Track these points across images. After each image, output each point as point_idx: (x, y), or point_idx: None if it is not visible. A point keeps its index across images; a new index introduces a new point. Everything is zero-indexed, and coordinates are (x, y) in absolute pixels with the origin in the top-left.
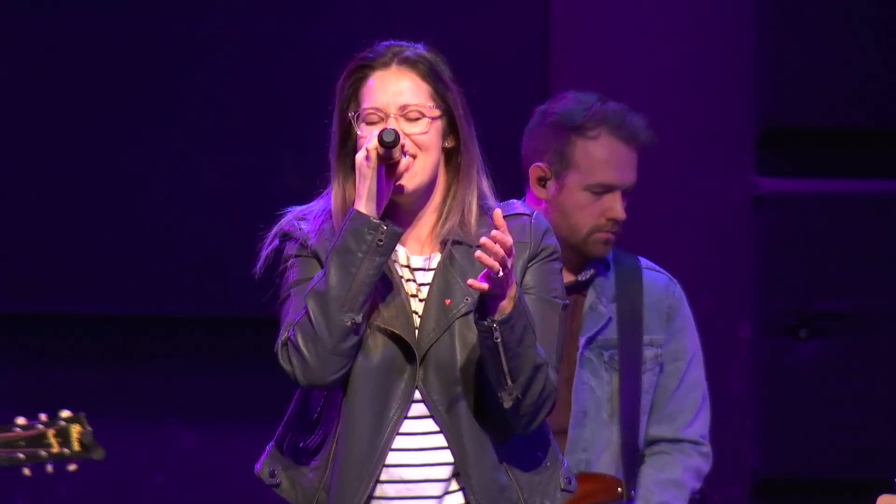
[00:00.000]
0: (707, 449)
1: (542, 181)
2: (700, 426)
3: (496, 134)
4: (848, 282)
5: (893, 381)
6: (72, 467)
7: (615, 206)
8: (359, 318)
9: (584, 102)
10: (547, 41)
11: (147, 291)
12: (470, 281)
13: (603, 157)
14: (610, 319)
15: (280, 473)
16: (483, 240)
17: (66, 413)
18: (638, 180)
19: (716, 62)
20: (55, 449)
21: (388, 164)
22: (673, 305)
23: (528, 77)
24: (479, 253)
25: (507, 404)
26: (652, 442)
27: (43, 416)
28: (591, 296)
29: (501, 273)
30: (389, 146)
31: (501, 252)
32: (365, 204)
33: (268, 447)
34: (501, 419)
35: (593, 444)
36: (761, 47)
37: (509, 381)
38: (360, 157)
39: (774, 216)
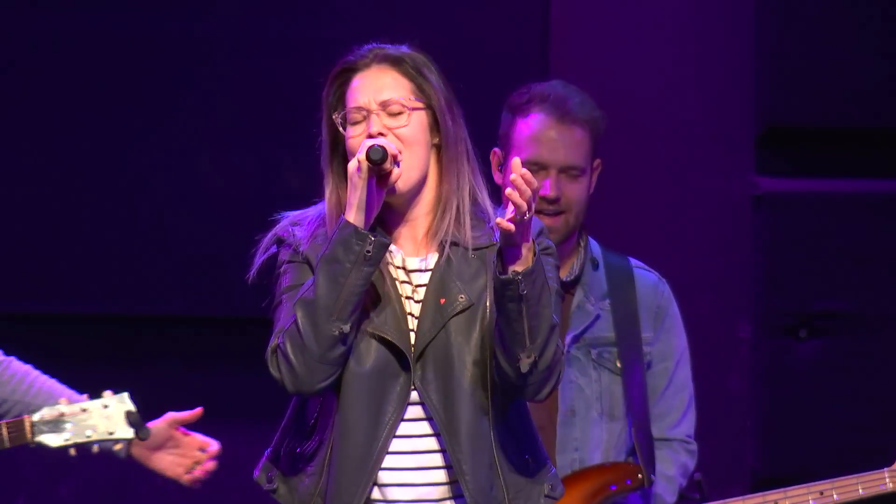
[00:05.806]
0: (693, 447)
1: (501, 167)
2: (687, 426)
3: (496, 134)
4: (848, 282)
5: (893, 381)
6: (117, 447)
7: (546, 184)
8: (346, 328)
9: (530, 86)
10: (547, 41)
11: (147, 291)
12: (498, 220)
13: (531, 133)
14: (598, 317)
15: (277, 479)
16: (513, 177)
17: (108, 393)
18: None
19: (716, 62)
20: (101, 430)
21: (379, 174)
22: (662, 305)
23: (528, 77)
24: (509, 191)
25: (525, 368)
26: None
27: (85, 397)
28: (578, 294)
29: (528, 215)
30: (377, 163)
31: (529, 192)
32: (354, 214)
33: (266, 453)
34: (501, 408)
35: (584, 443)
36: (761, 47)
37: (528, 342)
38: (351, 166)
39: (774, 216)
